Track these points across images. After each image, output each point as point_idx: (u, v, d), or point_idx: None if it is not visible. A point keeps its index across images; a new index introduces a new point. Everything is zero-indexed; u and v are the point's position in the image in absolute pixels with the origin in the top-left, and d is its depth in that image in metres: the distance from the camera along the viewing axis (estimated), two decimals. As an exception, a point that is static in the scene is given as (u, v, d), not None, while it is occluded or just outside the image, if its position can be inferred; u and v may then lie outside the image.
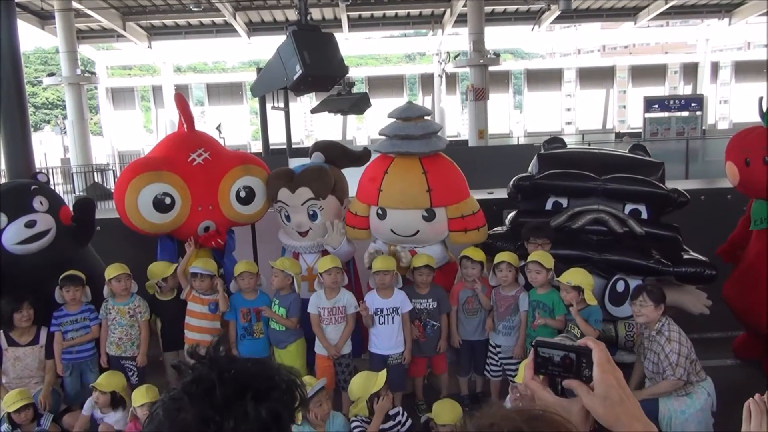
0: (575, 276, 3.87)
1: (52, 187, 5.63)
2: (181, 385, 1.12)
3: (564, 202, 4.49)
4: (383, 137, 4.43)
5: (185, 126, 4.72)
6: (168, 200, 4.29)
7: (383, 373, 3.42)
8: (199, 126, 5.01)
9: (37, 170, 5.37)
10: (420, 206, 4.26)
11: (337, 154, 4.88)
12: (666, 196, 4.37)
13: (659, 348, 3.57)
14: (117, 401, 3.89)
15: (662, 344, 3.55)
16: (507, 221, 4.80)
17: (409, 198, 4.26)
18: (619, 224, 4.23)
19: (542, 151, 4.93)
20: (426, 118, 4.44)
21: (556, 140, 5.06)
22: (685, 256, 4.38)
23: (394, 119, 4.39)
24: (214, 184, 4.48)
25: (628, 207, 4.38)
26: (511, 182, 4.72)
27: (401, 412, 3.47)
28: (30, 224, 4.26)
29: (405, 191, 4.27)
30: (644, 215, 4.40)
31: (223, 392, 1.09)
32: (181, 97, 4.89)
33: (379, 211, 4.37)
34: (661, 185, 4.45)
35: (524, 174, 4.73)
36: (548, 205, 4.57)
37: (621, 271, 4.29)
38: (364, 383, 3.37)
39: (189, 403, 1.08)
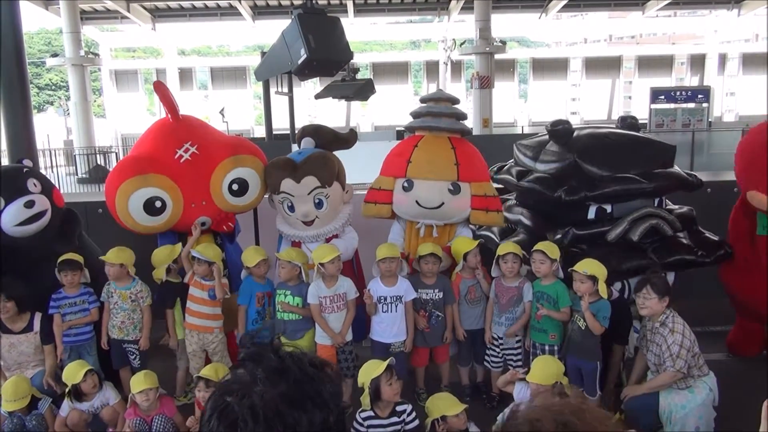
0: (591, 266, 3.79)
1: (53, 170, 5.59)
2: (274, 350, 1.18)
3: (608, 207, 4.34)
4: (413, 118, 4.70)
5: (169, 116, 4.54)
6: (158, 203, 4.22)
7: (384, 362, 3.38)
8: (202, 111, 4.92)
9: (22, 157, 5.03)
10: (447, 178, 4.41)
11: (327, 138, 4.77)
12: (692, 184, 4.44)
13: (662, 339, 3.53)
14: (79, 392, 3.86)
15: (665, 335, 3.51)
16: (561, 241, 4.42)
17: (438, 168, 4.42)
18: (669, 227, 4.24)
19: (574, 147, 4.56)
20: (454, 105, 4.73)
21: (561, 122, 4.76)
22: (704, 236, 4.49)
23: (425, 103, 4.69)
24: (205, 180, 4.38)
25: (656, 199, 4.41)
26: (562, 195, 4.31)
27: (408, 411, 3.37)
28: (29, 204, 4.22)
29: (433, 162, 4.44)
30: (664, 203, 4.47)
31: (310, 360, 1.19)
32: (162, 86, 4.61)
33: (405, 184, 4.47)
34: (687, 173, 4.50)
35: (571, 187, 4.31)
36: (591, 213, 4.36)
37: (673, 269, 4.28)
38: (369, 369, 3.33)
39: (293, 365, 1.15)
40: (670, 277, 4.24)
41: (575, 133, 4.65)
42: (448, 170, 4.42)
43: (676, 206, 4.65)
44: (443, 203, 4.41)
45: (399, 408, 3.34)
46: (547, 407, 0.97)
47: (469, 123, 21.42)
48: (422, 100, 4.78)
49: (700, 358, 3.58)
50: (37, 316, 4.26)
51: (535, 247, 4.04)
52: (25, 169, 4.46)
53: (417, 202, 4.45)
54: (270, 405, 1.07)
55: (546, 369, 3.30)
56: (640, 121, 5.42)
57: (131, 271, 4.32)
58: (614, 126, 5.03)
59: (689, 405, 3.52)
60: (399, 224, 4.67)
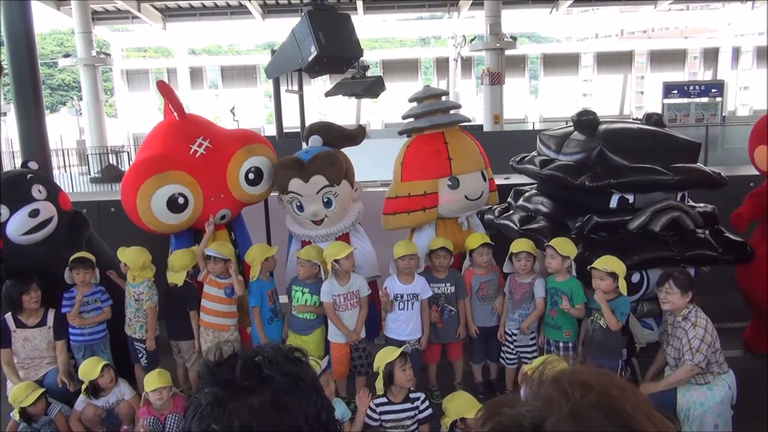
0: (611, 262, 3.75)
1: (66, 170, 5.59)
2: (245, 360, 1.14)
3: (630, 197, 4.33)
4: (415, 117, 4.64)
5: (175, 114, 4.55)
6: (181, 200, 4.22)
7: (403, 347, 3.39)
8: (212, 110, 4.94)
9: (27, 159, 4.99)
10: (481, 167, 4.61)
11: (335, 135, 4.73)
12: (718, 182, 4.44)
13: (683, 333, 3.48)
14: (96, 388, 3.89)
15: (686, 329, 3.46)
16: (582, 227, 4.37)
17: (474, 160, 4.58)
18: (690, 221, 4.24)
19: (600, 136, 4.52)
20: (443, 97, 4.78)
21: (587, 112, 4.79)
22: (726, 236, 4.49)
23: (415, 103, 4.68)
24: (221, 172, 4.42)
25: (679, 194, 4.40)
26: (586, 182, 4.26)
27: (422, 399, 3.39)
28: (33, 214, 4.21)
29: (471, 155, 4.58)
30: (686, 199, 4.47)
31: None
32: (165, 85, 4.68)
33: (449, 182, 4.46)
34: (711, 171, 4.49)
35: (595, 173, 4.27)
36: (613, 203, 4.34)
37: (691, 264, 4.27)
38: (384, 355, 3.35)
39: (272, 370, 1.11)
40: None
41: (600, 126, 4.62)
42: (480, 159, 4.62)
43: (699, 204, 4.61)
44: (483, 192, 4.57)
45: (413, 395, 3.36)
46: (575, 371, 0.92)
47: (479, 119, 21.50)
48: (420, 99, 4.68)
49: (720, 354, 3.53)
50: (51, 312, 4.29)
51: (547, 243, 4.03)
52: (29, 175, 4.42)
53: (466, 196, 4.49)
54: (261, 416, 1.04)
55: None
56: (654, 117, 5.41)
57: (134, 273, 4.31)
58: (639, 122, 4.98)
59: (708, 402, 3.48)
60: (430, 227, 4.59)
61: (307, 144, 4.74)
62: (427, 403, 3.40)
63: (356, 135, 4.86)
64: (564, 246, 3.98)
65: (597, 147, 4.40)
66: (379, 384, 3.32)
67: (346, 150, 4.77)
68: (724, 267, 4.52)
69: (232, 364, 1.11)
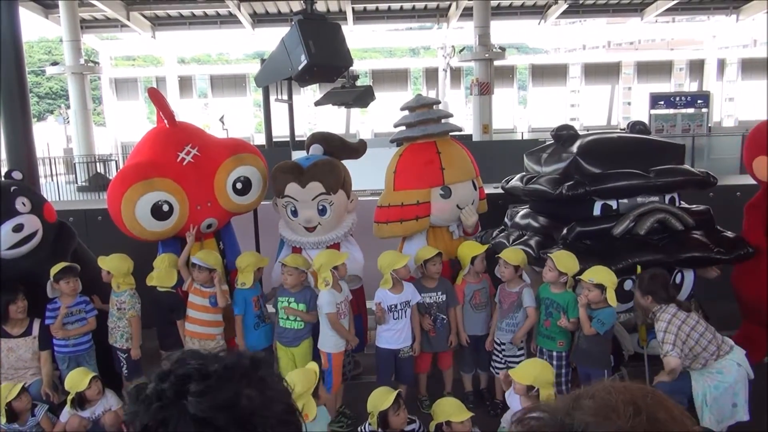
0: (598, 274, 3.76)
1: (53, 179, 5.53)
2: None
3: (613, 204, 4.37)
4: (407, 126, 4.62)
5: (165, 121, 4.54)
6: (166, 207, 4.19)
7: (393, 393, 3.25)
8: (202, 119, 4.92)
9: (12, 168, 4.94)
10: (472, 176, 4.65)
11: (336, 145, 4.77)
12: (705, 181, 4.54)
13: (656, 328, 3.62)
14: (83, 399, 3.85)
15: (656, 327, 3.60)
16: (565, 237, 4.38)
17: (465, 169, 4.60)
18: (677, 221, 4.28)
19: (576, 147, 4.59)
20: (435, 107, 4.77)
21: (566, 127, 4.87)
22: (723, 235, 4.52)
23: (407, 112, 4.67)
24: (209, 181, 4.39)
25: (667, 197, 4.46)
26: (563, 191, 4.33)
27: (417, 428, 3.33)
28: (17, 228, 4.16)
29: (463, 164, 4.61)
30: (677, 202, 4.51)
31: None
32: (156, 92, 4.68)
33: (442, 192, 4.46)
34: (697, 170, 4.60)
35: (573, 182, 4.34)
36: (596, 210, 4.39)
37: (688, 266, 4.31)
38: (378, 400, 3.23)
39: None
40: (690, 276, 4.24)
41: (581, 139, 4.69)
42: (471, 168, 4.65)
43: (693, 206, 4.65)
44: (474, 200, 4.58)
45: (408, 428, 3.28)
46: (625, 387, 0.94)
47: (468, 129, 21.57)
48: (413, 108, 4.66)
49: (713, 341, 3.56)
50: (36, 322, 4.24)
51: (548, 253, 4.05)
52: (12, 188, 4.34)
53: (458, 205, 4.50)
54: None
55: (527, 368, 3.24)
56: (641, 127, 5.46)
57: (119, 281, 4.27)
58: (623, 132, 5.08)
59: (722, 385, 3.56)
60: (421, 235, 4.58)
61: (307, 152, 4.75)
62: (423, 428, 3.34)
63: (357, 149, 4.90)
64: (564, 260, 3.95)
65: (572, 157, 4.48)
66: (373, 419, 3.21)
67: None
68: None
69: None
